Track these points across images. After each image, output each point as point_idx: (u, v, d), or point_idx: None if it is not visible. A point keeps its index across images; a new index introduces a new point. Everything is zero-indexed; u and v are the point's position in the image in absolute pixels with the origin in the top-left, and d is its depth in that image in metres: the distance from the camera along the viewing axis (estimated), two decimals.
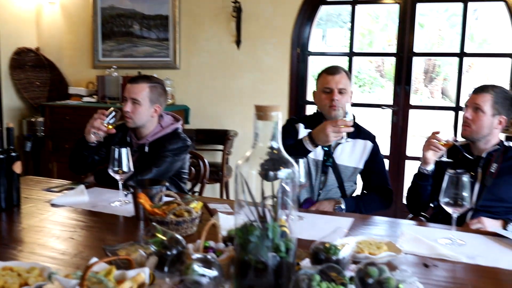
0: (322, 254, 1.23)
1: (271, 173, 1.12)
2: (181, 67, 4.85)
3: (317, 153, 2.28)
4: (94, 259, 1.11)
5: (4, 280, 1.12)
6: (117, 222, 1.74)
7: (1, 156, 1.80)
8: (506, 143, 2.13)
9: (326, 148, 2.30)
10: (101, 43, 5.11)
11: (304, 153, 2.11)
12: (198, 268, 1.06)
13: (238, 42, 4.61)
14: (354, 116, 2.14)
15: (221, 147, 4.54)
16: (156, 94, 2.33)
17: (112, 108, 2.18)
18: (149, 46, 4.95)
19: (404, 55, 4.18)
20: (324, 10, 4.62)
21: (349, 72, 2.47)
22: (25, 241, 1.53)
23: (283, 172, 1.12)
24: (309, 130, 2.26)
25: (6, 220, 1.74)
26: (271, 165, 1.12)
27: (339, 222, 1.76)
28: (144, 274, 1.05)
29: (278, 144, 1.14)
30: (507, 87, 3.71)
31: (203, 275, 1.05)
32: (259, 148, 1.13)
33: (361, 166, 2.33)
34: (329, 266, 1.10)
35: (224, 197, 4.37)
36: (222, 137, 4.49)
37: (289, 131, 2.37)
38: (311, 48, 4.52)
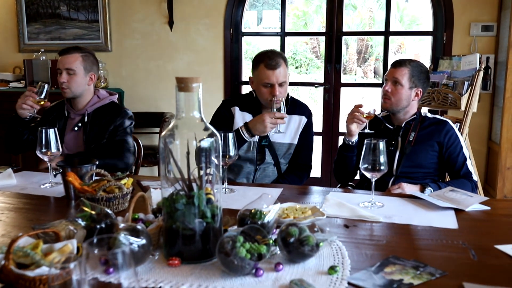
0: (248, 219, 1.29)
1: (194, 142, 1.16)
2: (113, 49, 4.75)
3: None
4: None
5: None
6: (47, 203, 1.72)
7: None
8: (422, 113, 2.29)
9: None
10: (26, 25, 4.89)
11: (241, 143, 2.15)
12: (124, 237, 1.09)
13: (170, 23, 4.57)
14: (288, 95, 2.23)
15: (157, 129, 4.51)
16: (89, 62, 2.39)
17: (40, 83, 2.17)
18: (78, 28, 4.80)
19: (334, 34, 4.31)
20: None
21: (283, 53, 2.47)
22: None
23: (206, 142, 1.17)
24: (245, 113, 2.30)
25: None
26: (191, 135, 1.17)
27: (269, 192, 1.83)
28: (71, 245, 1.07)
29: (200, 114, 1.18)
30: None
31: (131, 243, 1.08)
32: (182, 119, 1.17)
33: (295, 141, 2.39)
34: (252, 228, 1.16)
35: None
36: (158, 120, 4.46)
37: (224, 116, 2.37)
38: (245, 29, 4.56)
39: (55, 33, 4.86)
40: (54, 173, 1.71)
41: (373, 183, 1.70)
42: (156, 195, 1.65)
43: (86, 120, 2.37)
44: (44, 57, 4.66)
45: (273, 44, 6.09)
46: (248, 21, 5.01)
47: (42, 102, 2.16)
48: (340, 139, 4.18)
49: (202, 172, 1.18)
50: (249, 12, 4.89)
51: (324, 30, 4.48)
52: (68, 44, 4.78)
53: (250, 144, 2.30)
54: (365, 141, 1.68)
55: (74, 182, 1.56)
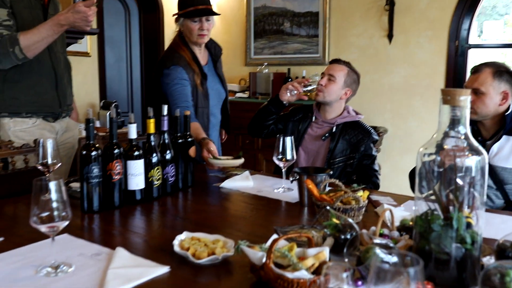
0: (509, 251, 1.14)
1: (458, 160, 1.07)
2: None
3: None
4: (275, 236, 1.17)
5: (195, 248, 1.24)
6: (281, 207, 1.81)
7: (179, 141, 1.99)
8: None
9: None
10: (253, 41, 5.35)
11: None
12: (379, 251, 1.05)
13: (390, 36, 4.48)
14: None
15: None
16: (351, 79, 2.41)
17: (312, 76, 2.33)
18: (299, 43, 5.05)
19: None
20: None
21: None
22: (201, 217, 1.67)
23: (471, 160, 1.07)
24: None
25: (183, 198, 1.91)
26: (458, 153, 1.07)
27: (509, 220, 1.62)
28: (325, 252, 1.08)
29: (466, 129, 1.08)
30: None
31: (383, 260, 1.04)
32: (443, 133, 1.09)
33: None
34: None
35: None
36: None
37: None
38: (471, 41, 4.21)
39: (277, 48, 5.21)
40: (291, 179, 1.78)
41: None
42: (388, 212, 1.59)
43: (334, 131, 2.39)
44: (267, 70, 5.02)
45: (495, 56, 5.48)
46: (488, 32, 4.63)
47: (303, 93, 2.29)
48: None
49: (462, 194, 1.08)
50: (489, 22, 4.52)
51: None
52: (290, 58, 5.07)
53: None
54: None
55: (313, 189, 1.60)
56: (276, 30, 5.21)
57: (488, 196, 2.11)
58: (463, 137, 1.08)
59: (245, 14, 5.35)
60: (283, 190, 1.97)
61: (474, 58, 4.39)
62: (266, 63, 5.12)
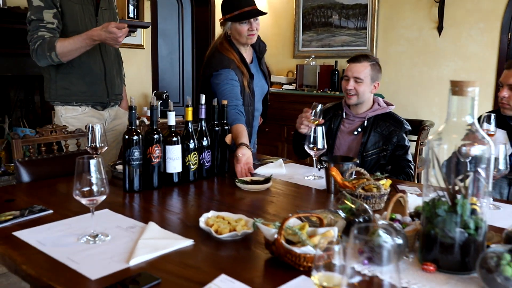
0: None
1: (464, 149, 1.11)
2: (378, 55, 4.84)
3: None
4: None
5: (218, 225, 1.35)
6: (309, 193, 1.89)
7: (216, 129, 2.11)
8: None
9: None
10: (301, 34, 5.41)
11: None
12: (383, 233, 1.12)
13: (440, 29, 4.40)
14: None
15: (414, 137, 4.41)
16: (375, 71, 2.42)
17: (314, 104, 2.24)
18: (347, 35, 5.05)
19: None
20: None
21: None
22: (232, 200, 1.78)
23: (476, 149, 1.11)
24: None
25: (219, 183, 2.03)
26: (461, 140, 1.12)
27: None
28: (333, 231, 1.15)
29: (473, 119, 1.12)
30: None
31: (386, 241, 1.11)
32: (452, 123, 1.14)
33: None
34: None
35: None
36: (417, 128, 4.35)
37: None
38: None
39: (325, 41, 5.23)
40: (319, 167, 1.86)
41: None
42: (413, 200, 1.63)
43: (365, 125, 2.42)
44: (314, 62, 5.06)
45: None
46: None
47: (317, 122, 2.21)
48: None
49: (468, 181, 1.13)
50: None
51: None
52: (337, 51, 5.09)
53: None
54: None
55: (337, 176, 1.67)
56: (324, 23, 5.23)
57: None
58: (469, 126, 1.13)
59: (294, 7, 5.41)
60: (314, 178, 2.05)
61: None
62: (313, 56, 5.17)
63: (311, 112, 2.21)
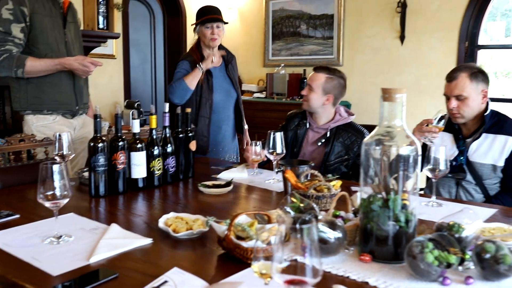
0: (444, 231, 1.30)
1: (393, 149, 1.24)
2: (344, 64, 5.01)
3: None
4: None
5: (176, 225, 1.45)
6: (269, 195, 2.00)
7: (180, 136, 2.20)
8: None
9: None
10: (271, 43, 5.55)
11: None
12: (323, 226, 1.23)
13: (402, 38, 4.59)
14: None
15: None
16: (331, 85, 2.47)
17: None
18: (315, 44, 5.21)
19: None
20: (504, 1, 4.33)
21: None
22: (195, 203, 1.87)
23: (405, 150, 1.23)
24: None
25: (182, 187, 2.13)
26: (392, 142, 1.24)
27: (480, 212, 1.75)
28: (280, 227, 1.26)
29: (402, 122, 1.25)
30: None
31: (325, 233, 1.22)
32: (384, 126, 1.26)
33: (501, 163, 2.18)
34: (444, 238, 1.17)
35: None
36: None
37: None
38: (491, 41, 4.29)
39: (294, 50, 5.38)
40: (276, 170, 1.97)
41: None
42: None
43: (328, 136, 2.49)
44: (283, 71, 5.20)
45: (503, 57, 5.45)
46: (494, 33, 4.67)
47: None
48: None
49: (400, 179, 1.25)
50: (495, 23, 4.59)
51: None
52: (305, 59, 5.24)
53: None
54: None
55: (291, 179, 1.78)
56: (293, 32, 5.38)
57: (467, 191, 2.24)
58: (399, 129, 1.25)
59: (263, 17, 5.55)
60: (273, 181, 2.16)
61: (482, 59, 4.46)
62: (283, 64, 5.31)
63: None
